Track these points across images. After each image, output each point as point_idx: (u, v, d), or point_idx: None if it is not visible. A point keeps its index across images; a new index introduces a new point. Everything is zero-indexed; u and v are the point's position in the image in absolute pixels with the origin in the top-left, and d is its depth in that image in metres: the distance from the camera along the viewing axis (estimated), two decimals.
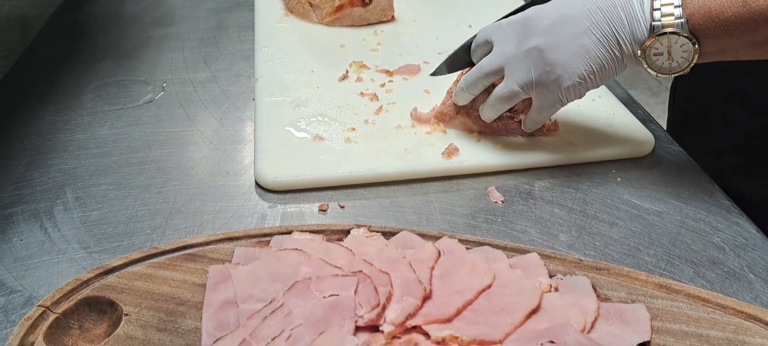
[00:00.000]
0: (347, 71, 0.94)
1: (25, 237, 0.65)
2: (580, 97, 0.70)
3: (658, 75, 0.67)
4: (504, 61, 0.72)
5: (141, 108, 0.89)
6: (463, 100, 0.78)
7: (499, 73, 0.73)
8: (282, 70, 0.96)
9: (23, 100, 0.91)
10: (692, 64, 0.65)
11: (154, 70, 1.00)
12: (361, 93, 0.89)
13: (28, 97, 0.92)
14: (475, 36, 0.79)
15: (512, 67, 0.71)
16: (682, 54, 0.65)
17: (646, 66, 0.66)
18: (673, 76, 0.67)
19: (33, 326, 0.53)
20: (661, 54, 0.65)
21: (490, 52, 0.75)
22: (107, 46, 1.08)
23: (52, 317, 0.54)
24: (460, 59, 0.81)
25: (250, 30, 1.12)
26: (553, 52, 0.68)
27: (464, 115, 0.79)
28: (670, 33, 0.64)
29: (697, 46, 0.64)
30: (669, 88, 1.08)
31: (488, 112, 0.76)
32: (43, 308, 0.54)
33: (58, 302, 0.55)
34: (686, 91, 1.00)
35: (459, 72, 0.81)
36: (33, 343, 0.52)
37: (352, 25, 1.11)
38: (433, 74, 0.83)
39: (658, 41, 0.65)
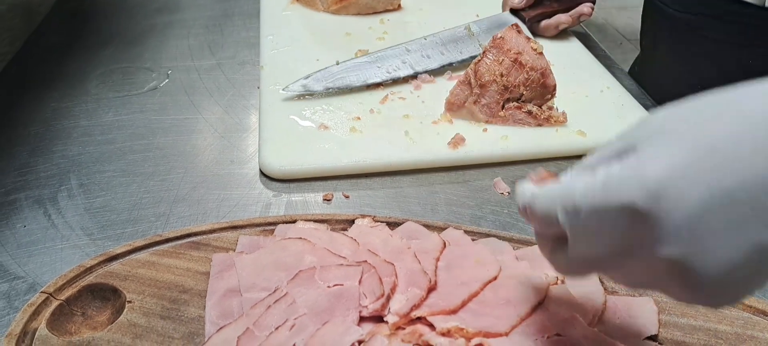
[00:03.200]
0: None
1: (28, 223, 0.65)
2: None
3: None
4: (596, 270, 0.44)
5: (145, 95, 0.89)
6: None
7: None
8: (287, 58, 0.95)
9: (27, 86, 0.91)
10: None
11: (159, 57, 0.99)
12: None
13: (33, 84, 0.91)
14: None
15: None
16: None
17: None
18: None
19: (36, 313, 0.52)
20: None
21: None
22: (112, 32, 1.07)
23: (55, 304, 0.53)
24: None
25: (256, 18, 1.11)
26: (699, 266, 0.35)
27: (471, 104, 0.79)
28: None
29: None
30: None
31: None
32: (46, 295, 0.54)
33: (61, 289, 0.55)
34: (657, 85, 0.98)
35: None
36: (36, 329, 0.51)
37: (358, 14, 1.10)
38: None
39: None
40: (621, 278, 0.42)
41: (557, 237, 0.43)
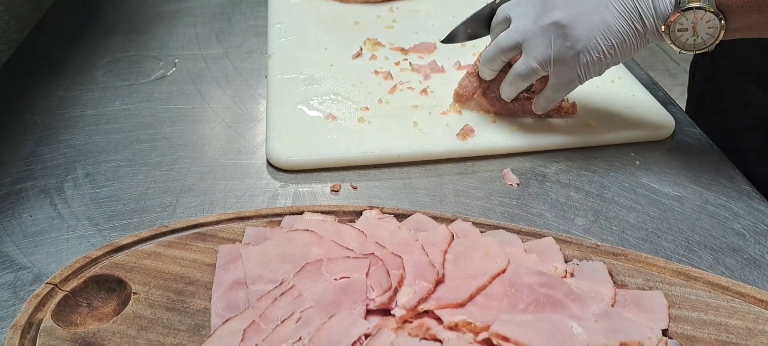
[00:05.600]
0: (361, 49, 0.93)
1: (34, 213, 0.65)
2: (599, 75, 0.69)
3: (681, 51, 0.65)
4: (522, 37, 0.70)
5: (152, 84, 0.89)
6: (488, 75, 0.76)
7: (517, 49, 0.71)
8: (295, 47, 0.94)
9: (34, 74, 0.90)
10: (718, 41, 0.63)
11: (166, 45, 0.99)
12: (375, 71, 0.88)
13: (39, 72, 0.91)
14: (484, 7, 0.78)
15: (530, 42, 0.69)
16: (708, 30, 0.63)
17: (669, 42, 0.64)
18: (696, 52, 0.65)
19: (41, 304, 0.52)
20: (686, 30, 0.63)
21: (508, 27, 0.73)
22: (119, 20, 1.07)
23: (60, 295, 0.53)
24: (473, 28, 0.80)
25: (263, 6, 1.10)
26: (572, 27, 0.66)
27: (480, 95, 0.78)
28: (696, 8, 0.62)
29: (723, 21, 0.62)
30: (687, 69, 1.06)
31: (507, 90, 0.74)
32: (52, 286, 0.54)
33: (66, 280, 0.54)
34: (705, 70, 0.98)
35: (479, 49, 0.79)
36: (41, 321, 0.51)
37: (367, 2, 1.09)
38: (443, 41, 0.81)
39: (684, 16, 0.62)
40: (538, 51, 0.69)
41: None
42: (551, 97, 0.73)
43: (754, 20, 0.62)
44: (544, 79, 0.72)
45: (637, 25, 0.65)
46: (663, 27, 0.64)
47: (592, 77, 0.69)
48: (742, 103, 0.89)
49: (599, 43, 0.66)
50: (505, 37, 0.72)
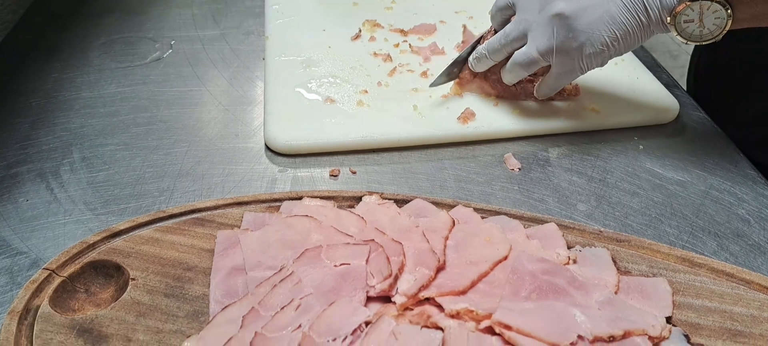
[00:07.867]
0: (360, 30, 0.92)
1: (30, 197, 0.64)
2: (601, 66, 0.68)
3: (687, 42, 0.64)
4: (527, 27, 0.69)
5: (148, 66, 0.87)
6: (483, 67, 0.75)
7: (523, 40, 0.70)
8: (293, 28, 0.93)
9: (29, 56, 0.89)
10: (725, 32, 0.62)
11: (162, 26, 0.97)
12: (374, 53, 0.87)
13: (34, 54, 0.90)
14: (470, 48, 0.76)
15: (534, 32, 0.68)
16: (715, 21, 0.62)
17: (675, 33, 0.63)
18: (703, 43, 0.64)
19: (38, 290, 0.52)
20: (692, 21, 0.62)
21: (511, 16, 0.72)
22: (114, 1, 1.05)
23: (57, 281, 0.53)
24: (460, 69, 0.78)
25: None
26: (576, 18, 0.65)
27: (481, 78, 0.77)
28: None
29: (730, 12, 0.61)
30: (689, 50, 1.05)
31: (507, 77, 0.73)
32: (49, 271, 0.53)
33: (63, 266, 0.54)
34: (709, 61, 0.97)
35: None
36: (39, 306, 0.51)
37: None
38: (432, 85, 0.78)
39: (690, 7, 0.61)
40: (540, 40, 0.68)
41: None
42: (553, 86, 0.72)
43: (761, 10, 0.61)
44: (548, 65, 0.71)
45: (641, 16, 0.64)
46: (668, 18, 0.63)
47: (594, 68, 0.68)
48: (749, 95, 0.88)
49: (603, 35, 0.65)
50: (513, 28, 0.71)
